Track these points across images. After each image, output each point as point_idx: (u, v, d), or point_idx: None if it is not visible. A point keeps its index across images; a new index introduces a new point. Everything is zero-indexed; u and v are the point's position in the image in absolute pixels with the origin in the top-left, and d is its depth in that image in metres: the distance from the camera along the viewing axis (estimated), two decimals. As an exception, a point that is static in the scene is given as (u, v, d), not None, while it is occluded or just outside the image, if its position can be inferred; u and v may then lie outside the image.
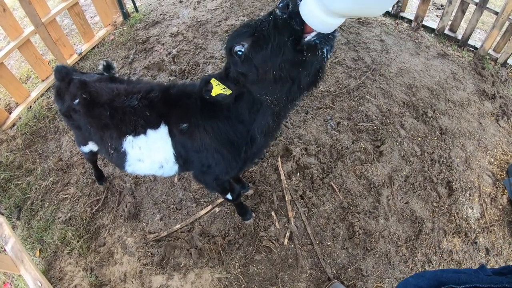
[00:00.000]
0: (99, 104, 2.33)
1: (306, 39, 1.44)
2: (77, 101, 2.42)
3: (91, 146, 2.84)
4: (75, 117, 2.50)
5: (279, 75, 1.60)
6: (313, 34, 1.42)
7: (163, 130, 2.28)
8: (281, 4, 1.44)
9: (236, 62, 1.71)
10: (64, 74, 2.58)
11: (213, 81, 1.90)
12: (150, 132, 2.29)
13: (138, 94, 2.30)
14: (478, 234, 3.35)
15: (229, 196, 2.86)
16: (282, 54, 1.51)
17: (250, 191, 3.48)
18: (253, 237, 3.25)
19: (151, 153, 2.37)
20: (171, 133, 2.29)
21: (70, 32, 5.60)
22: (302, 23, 1.41)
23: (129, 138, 2.32)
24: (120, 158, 2.44)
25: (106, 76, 2.64)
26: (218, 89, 1.89)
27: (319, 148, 3.75)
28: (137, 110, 2.27)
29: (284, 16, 1.44)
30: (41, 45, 5.16)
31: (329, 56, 1.49)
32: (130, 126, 2.29)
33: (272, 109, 1.89)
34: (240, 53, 1.63)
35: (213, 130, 2.19)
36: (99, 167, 3.63)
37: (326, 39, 1.43)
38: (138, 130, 2.29)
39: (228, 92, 1.89)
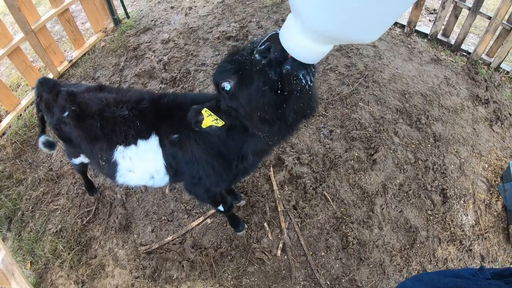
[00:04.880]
0: (89, 115, 2.29)
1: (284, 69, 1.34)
2: (66, 113, 2.37)
3: (82, 159, 2.79)
4: (65, 129, 2.45)
5: (264, 117, 1.56)
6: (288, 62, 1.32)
7: (154, 140, 2.26)
8: (261, 47, 1.37)
9: (225, 98, 1.66)
10: (51, 86, 2.53)
11: (205, 112, 1.84)
12: (140, 142, 2.26)
13: (128, 103, 2.27)
14: (473, 241, 3.33)
15: (220, 208, 2.82)
16: (264, 97, 1.46)
17: (243, 202, 3.44)
18: (245, 248, 3.21)
19: (142, 163, 2.34)
20: (161, 144, 2.26)
21: (61, 38, 5.55)
22: (281, 72, 1.33)
23: (120, 148, 2.29)
24: (111, 169, 2.40)
25: (94, 86, 2.57)
26: (209, 120, 1.84)
27: (311, 157, 3.72)
28: (128, 120, 2.24)
29: (263, 62, 1.37)
30: (31, 52, 5.10)
31: (309, 82, 1.35)
32: (121, 136, 2.25)
33: (264, 139, 1.86)
34: (228, 89, 1.58)
35: (204, 142, 2.16)
36: (89, 177, 3.58)
37: (299, 63, 1.31)
38: (128, 140, 2.26)
39: (220, 123, 1.84)
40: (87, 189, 3.60)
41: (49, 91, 2.53)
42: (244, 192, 3.53)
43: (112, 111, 2.26)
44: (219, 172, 2.29)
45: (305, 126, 4.00)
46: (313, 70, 1.36)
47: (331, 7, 0.96)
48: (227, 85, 1.58)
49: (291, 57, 1.29)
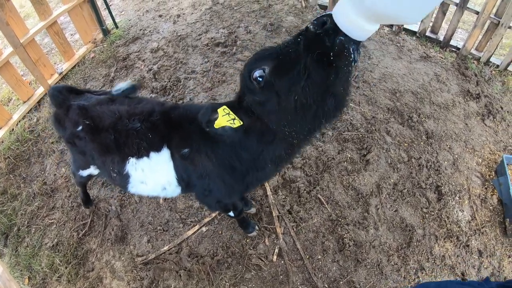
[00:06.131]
0: (103, 129, 2.29)
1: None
2: (80, 128, 2.36)
3: (92, 170, 2.78)
4: (79, 144, 2.44)
5: (302, 101, 1.49)
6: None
7: (166, 153, 2.25)
8: (316, 21, 1.36)
9: (254, 90, 1.59)
10: (61, 100, 2.49)
11: (223, 110, 1.72)
12: (153, 154, 2.25)
13: (141, 115, 2.26)
14: (470, 237, 3.34)
15: (231, 214, 2.83)
16: (308, 75, 1.42)
17: (253, 210, 3.43)
18: (242, 255, 3.21)
19: (154, 175, 2.33)
20: (173, 157, 2.25)
21: (51, 51, 5.53)
22: (334, 39, 1.32)
23: (132, 160, 2.29)
24: (123, 181, 2.40)
25: (105, 98, 2.53)
26: (224, 120, 1.71)
27: (304, 161, 3.72)
28: (140, 132, 2.23)
29: (318, 31, 1.35)
30: (21, 65, 5.08)
31: (355, 59, 1.35)
32: (133, 148, 2.25)
33: (287, 141, 1.78)
34: (261, 79, 1.52)
35: (216, 156, 2.13)
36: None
37: (350, 38, 1.30)
38: (141, 152, 2.25)
39: (237, 124, 1.72)
40: (83, 202, 3.58)
41: (59, 106, 2.51)
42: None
43: (125, 123, 2.25)
44: (231, 185, 2.28)
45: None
46: (359, 49, 1.37)
47: None
48: (261, 73, 1.51)
49: (343, 33, 1.30)
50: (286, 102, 1.53)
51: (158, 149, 2.25)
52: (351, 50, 1.31)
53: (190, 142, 2.18)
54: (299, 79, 1.44)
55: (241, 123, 1.73)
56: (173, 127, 2.23)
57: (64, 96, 2.53)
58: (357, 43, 1.32)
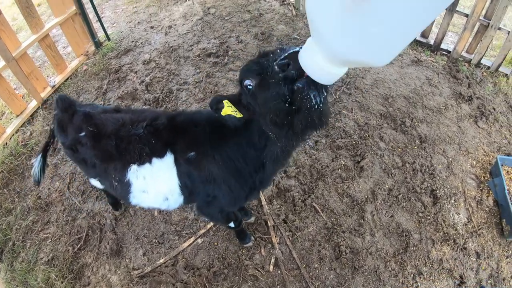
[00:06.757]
0: (105, 135, 2.28)
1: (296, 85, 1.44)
2: (83, 133, 2.35)
3: (97, 183, 2.77)
4: (81, 150, 2.42)
5: (275, 120, 1.63)
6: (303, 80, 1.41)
7: (169, 158, 2.24)
8: (282, 62, 1.47)
9: (246, 94, 1.76)
10: (67, 105, 2.49)
11: (226, 102, 1.90)
12: (155, 160, 2.24)
13: (144, 122, 2.27)
14: (467, 239, 3.34)
15: (231, 225, 2.83)
16: (276, 103, 1.57)
17: (252, 219, 3.43)
18: (238, 266, 3.19)
19: (156, 183, 2.31)
20: (176, 162, 2.24)
21: (43, 64, 5.53)
22: (293, 89, 1.43)
23: (134, 167, 2.27)
24: (124, 190, 2.38)
25: (111, 108, 2.56)
26: (229, 110, 1.88)
27: (298, 169, 3.72)
28: (142, 138, 2.23)
29: (280, 75, 1.49)
30: (14, 79, 5.06)
31: (319, 103, 1.42)
32: (135, 154, 2.24)
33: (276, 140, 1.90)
34: (250, 87, 1.69)
35: (222, 158, 2.16)
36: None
37: (312, 83, 1.38)
38: (143, 158, 2.24)
39: (239, 115, 1.89)
40: (111, 205, 3.55)
41: (64, 111, 2.49)
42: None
43: (128, 130, 2.26)
44: (236, 189, 2.30)
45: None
46: (325, 92, 1.44)
47: (352, 33, 1.05)
48: (250, 83, 1.68)
49: (307, 76, 1.37)
50: (264, 115, 1.72)
51: (161, 155, 2.24)
52: (312, 96, 1.39)
53: (196, 145, 2.19)
54: (271, 102, 1.60)
55: (242, 115, 1.89)
56: (177, 131, 2.24)
57: (70, 101, 2.53)
58: (320, 87, 1.39)
